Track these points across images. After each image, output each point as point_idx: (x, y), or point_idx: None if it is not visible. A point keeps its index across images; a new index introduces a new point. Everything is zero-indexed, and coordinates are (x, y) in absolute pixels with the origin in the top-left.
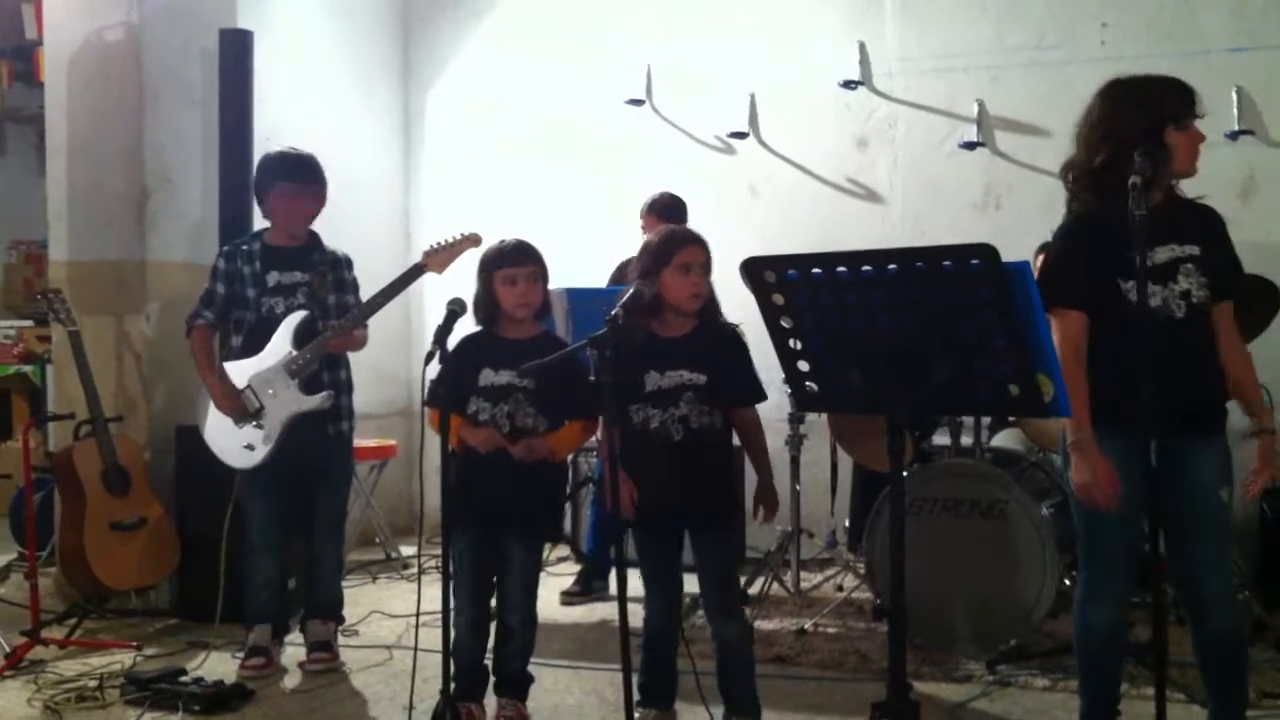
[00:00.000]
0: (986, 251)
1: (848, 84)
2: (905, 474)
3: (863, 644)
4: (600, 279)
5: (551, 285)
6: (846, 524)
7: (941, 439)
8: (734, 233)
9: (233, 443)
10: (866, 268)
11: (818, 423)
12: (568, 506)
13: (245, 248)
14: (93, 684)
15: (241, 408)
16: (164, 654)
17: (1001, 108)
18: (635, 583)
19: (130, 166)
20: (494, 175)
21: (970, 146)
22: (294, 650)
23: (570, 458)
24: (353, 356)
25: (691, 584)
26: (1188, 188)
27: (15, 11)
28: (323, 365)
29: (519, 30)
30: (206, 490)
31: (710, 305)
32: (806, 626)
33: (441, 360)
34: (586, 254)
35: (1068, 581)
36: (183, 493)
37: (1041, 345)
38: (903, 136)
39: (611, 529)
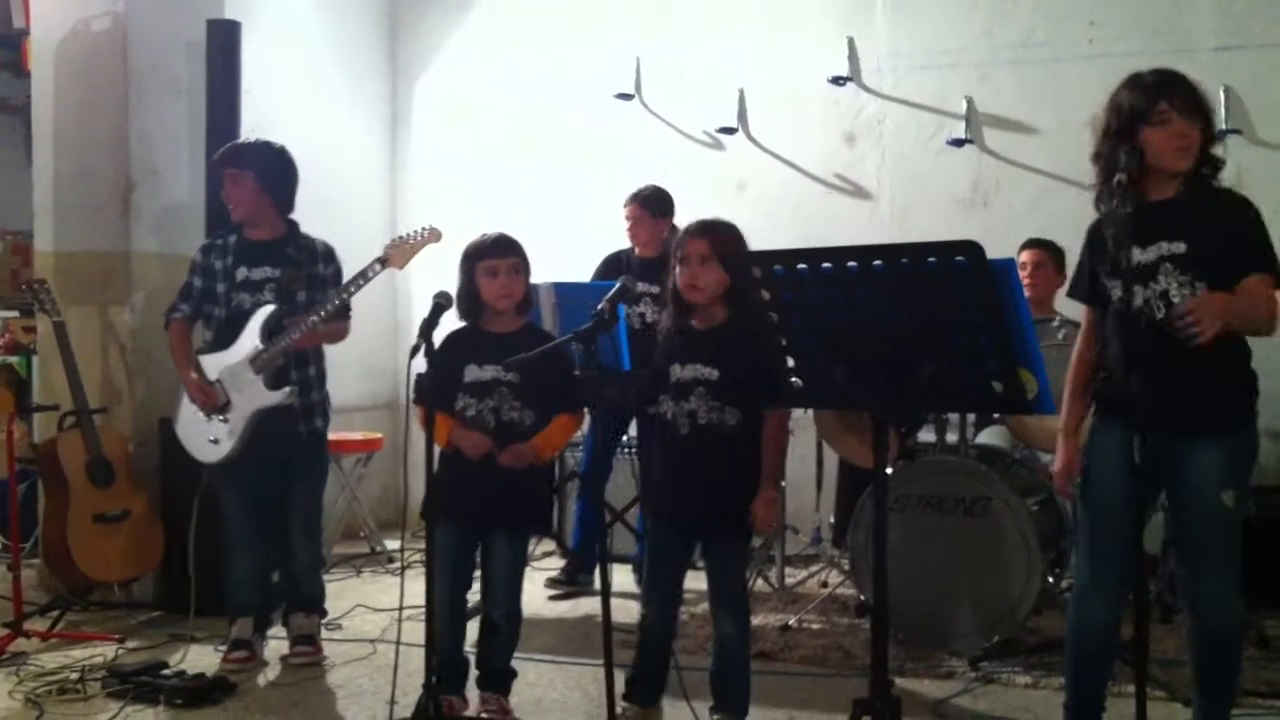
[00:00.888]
0: (971, 248)
1: (837, 80)
2: (890, 471)
3: (846, 640)
4: (586, 273)
5: (540, 279)
6: (831, 520)
7: (926, 436)
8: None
9: (199, 436)
10: (852, 264)
11: (803, 419)
12: (554, 500)
13: (221, 241)
14: (74, 677)
15: (213, 402)
16: (146, 647)
17: (990, 105)
18: (620, 577)
19: (116, 157)
20: (481, 168)
21: (958, 143)
22: (277, 644)
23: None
24: (339, 349)
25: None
26: None
27: (2, 1)
28: (291, 361)
29: (507, 23)
30: (190, 483)
31: (739, 298)
32: (791, 623)
33: (427, 354)
34: (575, 248)
35: (1051, 579)
36: (167, 485)
37: (1025, 342)
38: (891, 133)
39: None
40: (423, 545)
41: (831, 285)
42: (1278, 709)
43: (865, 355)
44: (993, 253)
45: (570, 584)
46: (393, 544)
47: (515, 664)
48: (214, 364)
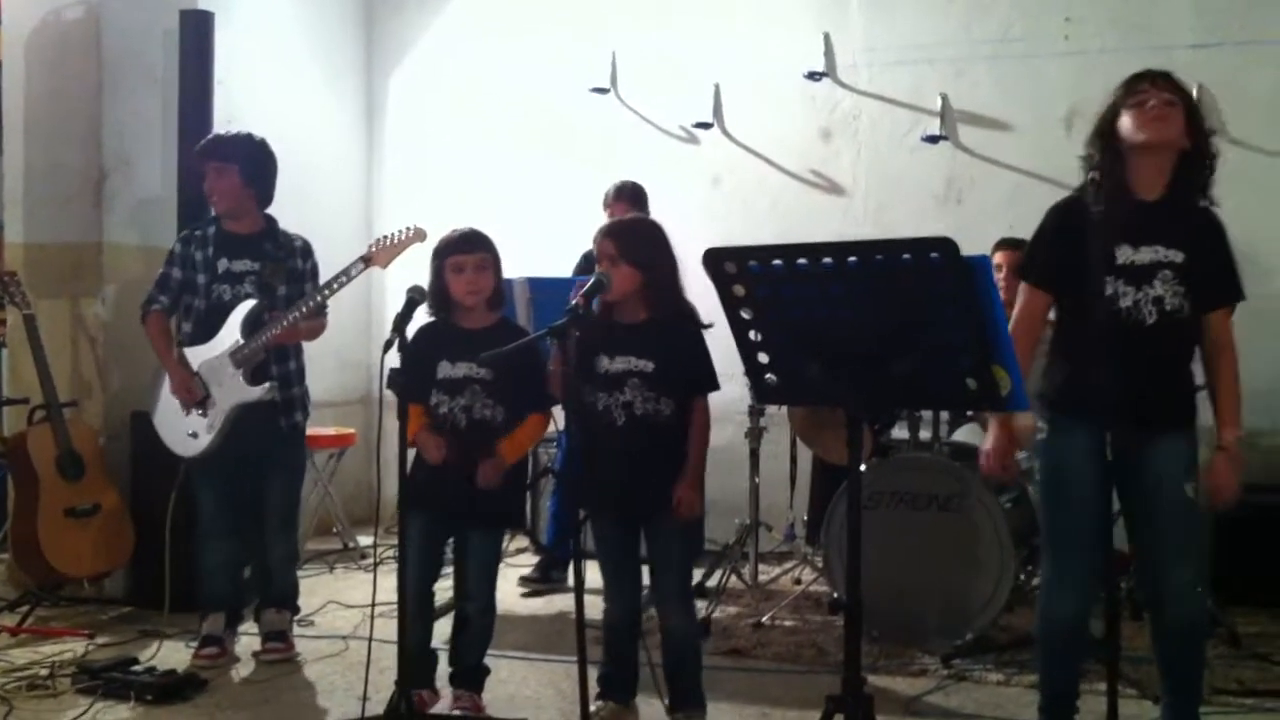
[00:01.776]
0: (946, 245)
1: (812, 75)
2: (863, 468)
3: (820, 637)
4: (564, 268)
5: (514, 274)
6: (805, 517)
7: (900, 433)
8: (697, 223)
9: (178, 430)
10: (827, 260)
11: (777, 415)
12: (528, 497)
13: (200, 233)
14: (44, 673)
15: (195, 396)
16: (117, 643)
17: (965, 101)
18: (595, 574)
19: (88, 147)
20: (457, 162)
21: (933, 140)
22: (249, 640)
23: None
24: (313, 343)
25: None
26: None
27: None
28: (271, 356)
29: (484, 16)
30: (162, 477)
31: (654, 293)
32: (764, 619)
33: (400, 349)
34: (550, 243)
35: (1023, 576)
36: (138, 479)
37: (999, 339)
38: (866, 129)
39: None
40: (395, 542)
41: (806, 281)
42: (1249, 706)
43: (840, 351)
44: (967, 249)
45: (544, 581)
46: (365, 540)
47: (489, 661)
48: (194, 357)
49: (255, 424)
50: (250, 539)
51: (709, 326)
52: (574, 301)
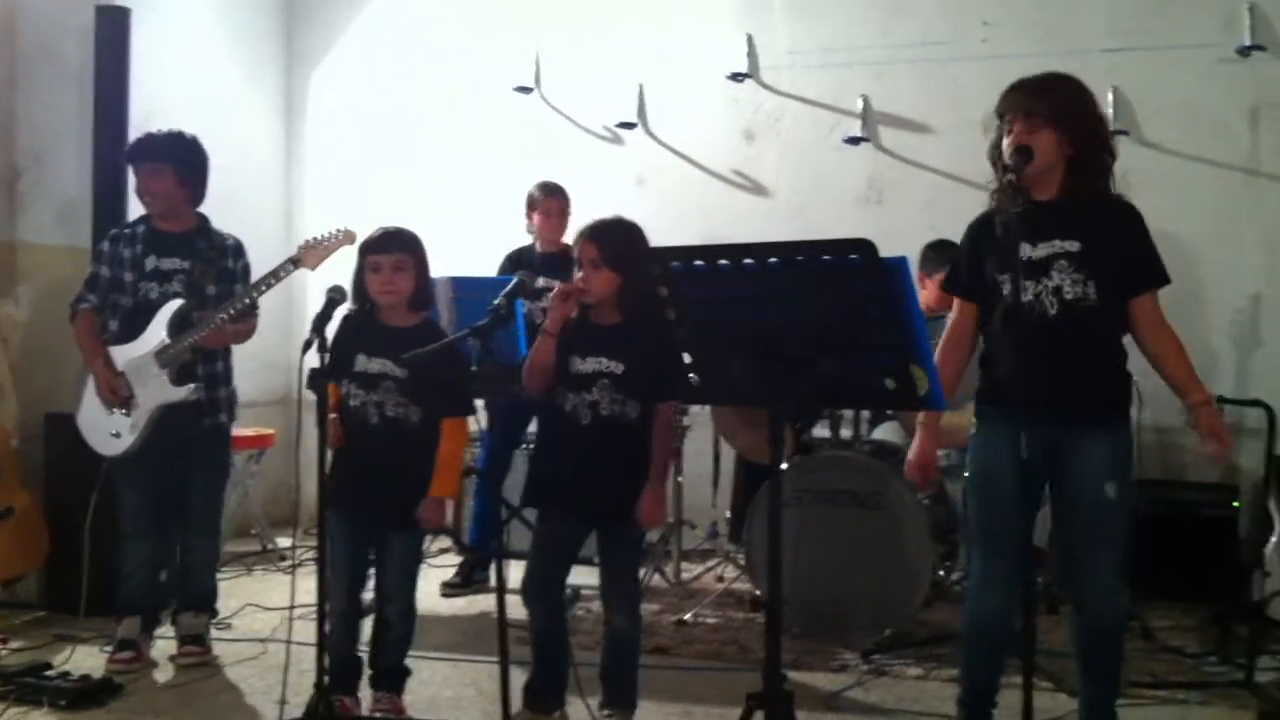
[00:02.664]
0: (864, 246)
1: (735, 76)
2: (785, 466)
3: (742, 634)
4: (487, 267)
5: (437, 273)
6: (728, 515)
7: (822, 431)
8: None
9: (101, 429)
10: (748, 260)
11: (700, 414)
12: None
13: (129, 230)
14: None
15: (119, 396)
16: (30, 647)
17: (886, 104)
18: (518, 574)
19: (2, 144)
20: (379, 160)
21: (855, 141)
22: (165, 644)
23: None
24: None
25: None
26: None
27: None
28: (198, 356)
29: (406, 12)
30: (77, 480)
31: (629, 297)
32: (687, 617)
33: (320, 349)
34: (474, 242)
35: (942, 572)
36: (52, 482)
37: (917, 339)
38: (789, 130)
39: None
40: (315, 543)
41: (727, 282)
42: (1162, 699)
43: (761, 351)
44: (888, 249)
45: (467, 585)
46: (285, 542)
47: (410, 662)
48: (119, 355)
49: (179, 424)
50: (170, 541)
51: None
52: (497, 302)
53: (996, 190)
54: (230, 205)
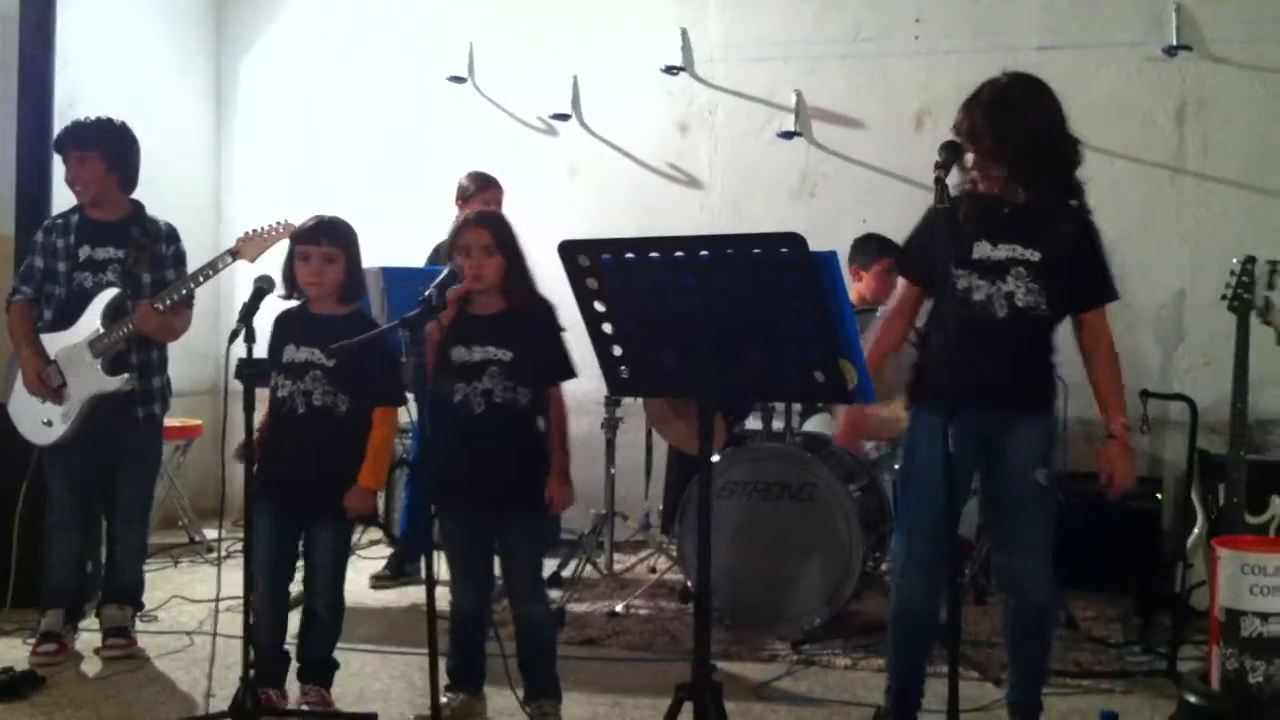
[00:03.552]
0: (795, 240)
1: (670, 69)
2: (716, 458)
3: (674, 625)
4: (419, 257)
5: (368, 264)
6: (660, 507)
7: (754, 423)
8: (555, 214)
9: (32, 418)
10: (679, 253)
11: (633, 406)
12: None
13: (62, 220)
14: None
15: (48, 388)
16: None
17: (819, 98)
18: (448, 566)
19: None
20: (310, 150)
21: (788, 135)
22: (90, 636)
23: None
24: None
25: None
26: None
27: None
28: (131, 345)
29: (338, 1)
30: (8, 469)
31: (515, 284)
32: (618, 608)
33: (247, 339)
34: (405, 232)
35: (871, 563)
36: None
37: (847, 333)
38: (723, 123)
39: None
40: (242, 535)
41: (659, 274)
42: (1086, 689)
43: (692, 343)
44: (821, 242)
45: (397, 573)
46: (211, 533)
47: (339, 654)
48: (52, 344)
49: (111, 414)
50: (98, 531)
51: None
52: (428, 293)
53: (963, 191)
54: (159, 193)
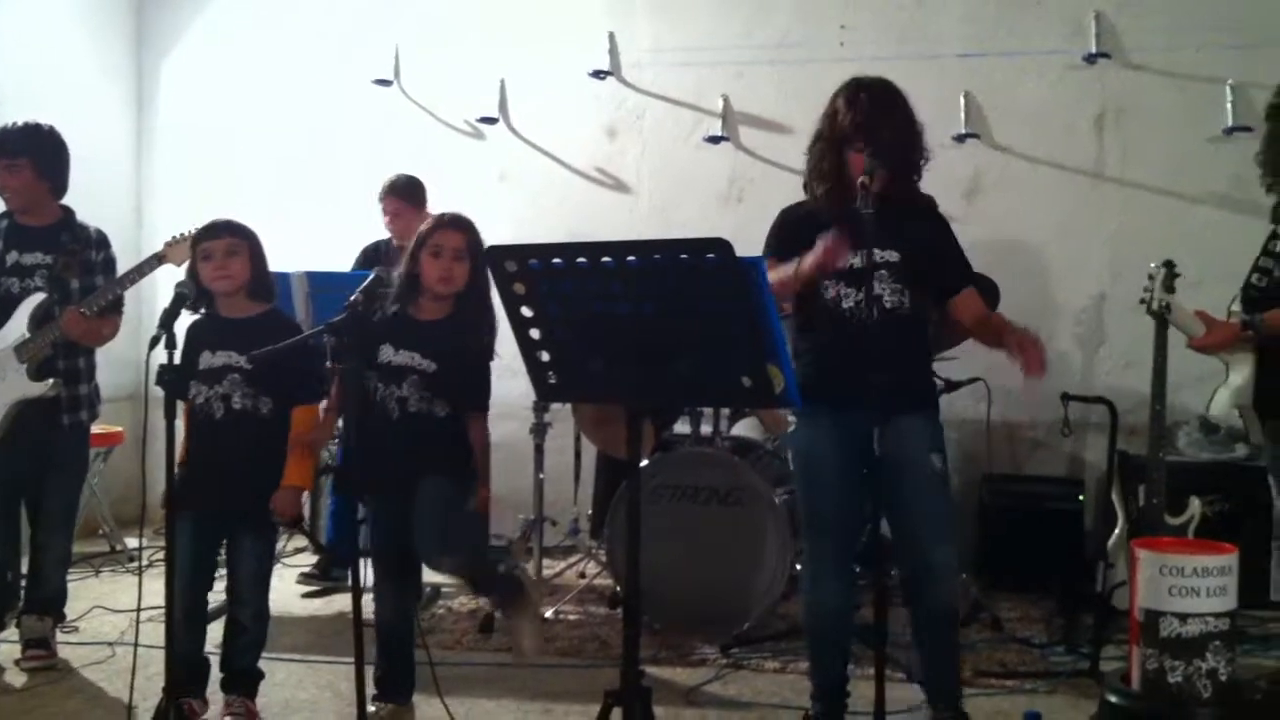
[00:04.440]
0: (721, 245)
1: (598, 74)
2: (646, 462)
3: (603, 630)
4: (345, 262)
5: (293, 268)
6: (589, 512)
7: (683, 427)
8: (483, 219)
9: None
10: (606, 258)
11: (562, 411)
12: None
13: None
14: None
15: None
16: None
17: (746, 103)
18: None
19: None
20: (234, 152)
21: (715, 140)
22: (8, 648)
23: None
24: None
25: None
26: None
27: None
28: (59, 352)
29: (261, 1)
30: None
31: (469, 295)
32: (548, 614)
33: (168, 345)
34: (331, 236)
35: (799, 566)
36: None
37: (774, 338)
38: (651, 128)
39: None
40: (164, 543)
41: (586, 280)
42: (1010, 688)
43: (620, 349)
44: (749, 248)
45: (324, 580)
46: (133, 542)
47: (264, 664)
48: None
49: (38, 421)
50: (20, 540)
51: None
52: (354, 298)
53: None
54: (79, 197)
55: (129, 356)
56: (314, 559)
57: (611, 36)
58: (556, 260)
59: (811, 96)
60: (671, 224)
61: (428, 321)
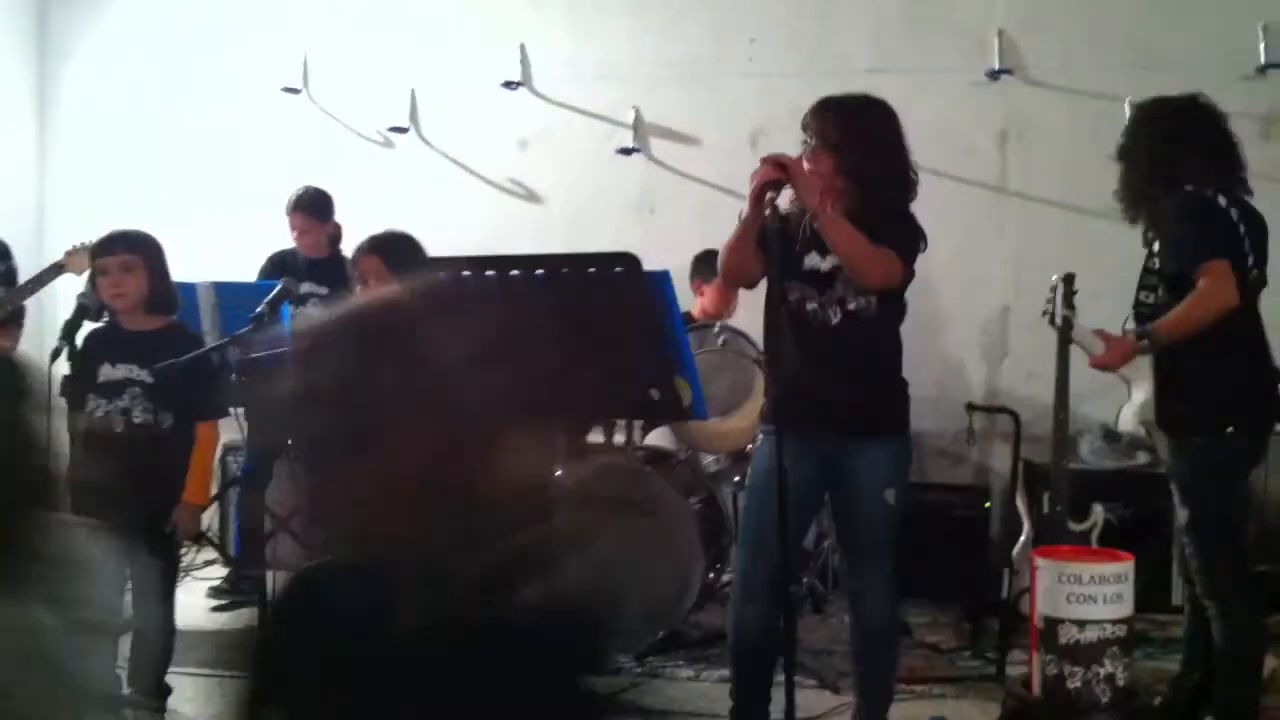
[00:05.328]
0: (628, 260)
1: (510, 84)
2: (558, 472)
3: None
4: (251, 270)
5: (199, 278)
6: None
7: (596, 437)
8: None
9: None
10: (516, 272)
11: None
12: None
13: None
14: None
15: None
16: None
17: (658, 116)
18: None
19: None
20: (137, 160)
21: (627, 152)
22: None
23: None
24: None
25: None
26: None
27: None
28: None
29: (166, 6)
30: None
31: None
32: None
33: (70, 357)
34: (238, 246)
35: (712, 575)
36: None
37: (680, 352)
38: (564, 140)
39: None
40: None
41: (495, 293)
42: (917, 694)
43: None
44: (661, 259)
45: (234, 593)
46: None
47: (171, 679)
48: None
49: None
50: None
51: None
52: (260, 310)
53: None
54: None
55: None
56: (225, 571)
57: (523, 48)
58: (464, 274)
59: (721, 110)
60: (583, 235)
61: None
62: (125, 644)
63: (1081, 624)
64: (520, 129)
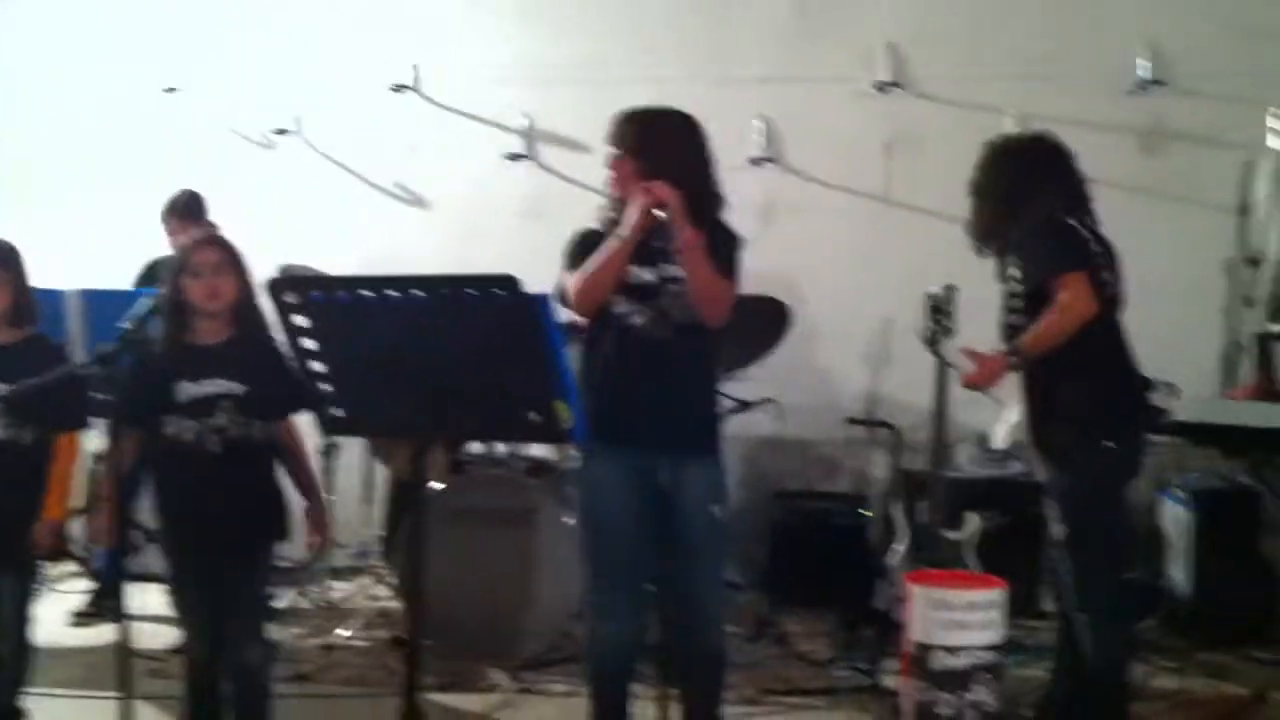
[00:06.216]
0: (508, 281)
1: (398, 88)
2: (439, 485)
3: (390, 658)
4: (126, 276)
5: (70, 285)
6: (381, 533)
7: (477, 449)
8: (276, 235)
9: None
10: (392, 292)
11: None
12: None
13: None
14: None
15: None
16: None
17: (548, 122)
18: (153, 600)
19: None
20: (9, 161)
21: (516, 158)
22: None
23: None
24: None
25: None
26: None
27: None
28: None
29: (48, 3)
30: None
31: (247, 310)
32: (334, 641)
33: None
34: (111, 251)
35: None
36: None
37: (561, 374)
38: (452, 144)
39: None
40: None
41: (371, 313)
42: (791, 705)
43: (407, 383)
44: (549, 265)
45: (99, 610)
46: None
47: (30, 701)
48: None
49: None
50: None
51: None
52: (127, 327)
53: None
54: None
55: None
56: (87, 594)
57: (413, 51)
58: (340, 293)
59: (611, 117)
60: (472, 241)
61: (216, 345)
62: None
63: (953, 650)
64: (408, 133)
